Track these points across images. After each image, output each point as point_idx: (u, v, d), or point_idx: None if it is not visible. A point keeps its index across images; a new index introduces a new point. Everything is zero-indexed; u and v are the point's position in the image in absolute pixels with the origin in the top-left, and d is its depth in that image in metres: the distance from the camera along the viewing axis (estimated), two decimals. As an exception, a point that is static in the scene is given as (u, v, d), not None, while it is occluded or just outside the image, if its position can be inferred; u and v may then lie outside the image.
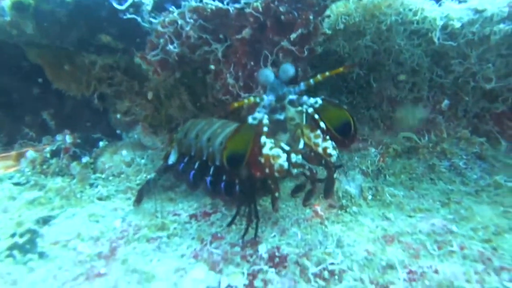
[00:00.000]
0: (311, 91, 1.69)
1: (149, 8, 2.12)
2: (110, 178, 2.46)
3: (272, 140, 1.54)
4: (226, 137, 1.97)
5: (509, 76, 2.10)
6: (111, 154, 2.66)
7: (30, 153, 2.58)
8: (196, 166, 2.16)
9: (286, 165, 1.50)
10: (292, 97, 1.55)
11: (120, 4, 2.12)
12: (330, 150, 1.53)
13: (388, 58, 2.22)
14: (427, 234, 1.71)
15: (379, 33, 2.12)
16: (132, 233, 1.89)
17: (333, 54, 2.28)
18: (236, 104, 1.46)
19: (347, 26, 2.10)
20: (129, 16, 2.13)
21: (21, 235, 1.86)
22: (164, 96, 2.82)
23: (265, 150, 1.50)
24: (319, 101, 1.55)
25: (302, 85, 1.53)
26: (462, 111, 2.30)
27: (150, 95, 2.80)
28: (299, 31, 1.89)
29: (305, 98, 1.54)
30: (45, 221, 1.96)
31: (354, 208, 1.96)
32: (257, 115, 1.52)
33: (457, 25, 1.94)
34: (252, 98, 1.51)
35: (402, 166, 2.20)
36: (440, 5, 2.02)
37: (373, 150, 2.35)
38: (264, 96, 1.53)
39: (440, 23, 1.96)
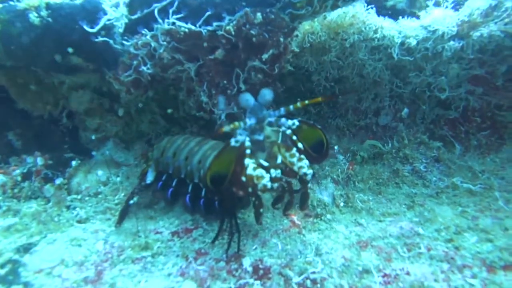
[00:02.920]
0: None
1: (121, 30, 2.14)
2: (87, 198, 2.46)
3: (254, 161, 1.63)
4: (204, 155, 2.04)
5: (459, 87, 2.32)
6: (85, 173, 2.65)
7: (0, 177, 2.52)
8: (174, 183, 2.22)
9: (269, 185, 1.60)
10: (271, 119, 1.65)
11: (92, 27, 2.13)
12: (305, 170, 1.65)
13: (352, 72, 2.37)
14: (397, 238, 1.86)
15: (343, 49, 2.26)
16: (116, 254, 1.92)
17: (301, 69, 2.40)
18: (223, 129, 1.54)
19: (313, 44, 2.22)
20: (100, 39, 2.14)
21: (2, 266, 1.84)
22: (135, 112, 2.84)
23: (249, 171, 1.59)
24: (296, 122, 1.66)
25: (282, 110, 1.65)
26: (420, 118, 2.49)
27: (121, 112, 2.80)
28: (270, 51, 1.99)
29: (283, 120, 1.65)
30: (26, 249, 1.94)
31: (329, 216, 2.09)
32: (239, 137, 1.61)
33: (413, 42, 2.12)
34: (237, 123, 1.60)
35: (369, 172, 2.36)
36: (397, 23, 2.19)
37: (341, 157, 2.50)
38: (246, 120, 1.62)
39: (398, 40, 2.13)
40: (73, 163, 2.70)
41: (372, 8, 2.19)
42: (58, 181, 2.55)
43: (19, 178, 2.56)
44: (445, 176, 2.30)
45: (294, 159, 1.66)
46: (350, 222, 2.05)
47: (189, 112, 2.57)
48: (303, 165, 1.65)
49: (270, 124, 1.66)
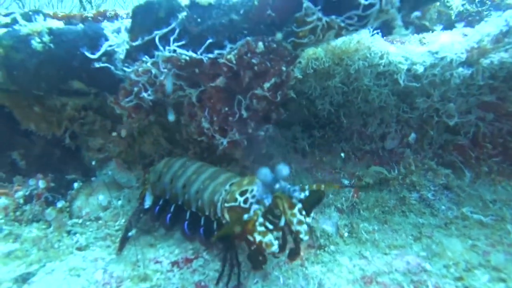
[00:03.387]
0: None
1: (122, 57, 2.12)
2: (88, 223, 2.44)
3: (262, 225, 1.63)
4: (203, 185, 2.00)
5: (469, 113, 2.25)
6: (86, 196, 2.63)
7: (2, 200, 2.52)
8: (172, 209, 2.18)
9: (277, 250, 1.61)
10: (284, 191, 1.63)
11: (93, 53, 2.12)
12: (302, 235, 1.63)
13: (356, 97, 2.31)
14: (403, 274, 1.80)
15: (347, 75, 2.21)
16: (115, 286, 1.89)
17: (304, 94, 2.35)
18: (250, 226, 1.58)
19: (317, 69, 2.18)
20: (101, 65, 2.13)
21: (0, 298, 1.83)
22: (138, 133, 2.82)
23: (258, 237, 1.59)
24: (307, 193, 1.66)
25: (297, 188, 1.62)
26: (428, 143, 2.42)
27: (123, 133, 2.78)
28: (273, 80, 1.94)
29: (296, 193, 1.63)
30: (24, 279, 1.92)
31: (332, 247, 2.03)
32: (253, 215, 1.61)
33: (420, 69, 2.06)
34: (258, 212, 1.61)
35: (375, 199, 2.29)
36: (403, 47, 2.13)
37: (346, 182, 2.44)
38: (263, 197, 1.62)
39: (404, 67, 2.07)
40: (75, 185, 2.68)
41: (377, 33, 2.13)
42: (60, 204, 2.53)
43: (21, 201, 2.55)
44: (454, 204, 2.23)
45: (295, 219, 1.64)
46: (354, 254, 1.99)
47: (191, 135, 2.53)
48: (301, 230, 1.64)
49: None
